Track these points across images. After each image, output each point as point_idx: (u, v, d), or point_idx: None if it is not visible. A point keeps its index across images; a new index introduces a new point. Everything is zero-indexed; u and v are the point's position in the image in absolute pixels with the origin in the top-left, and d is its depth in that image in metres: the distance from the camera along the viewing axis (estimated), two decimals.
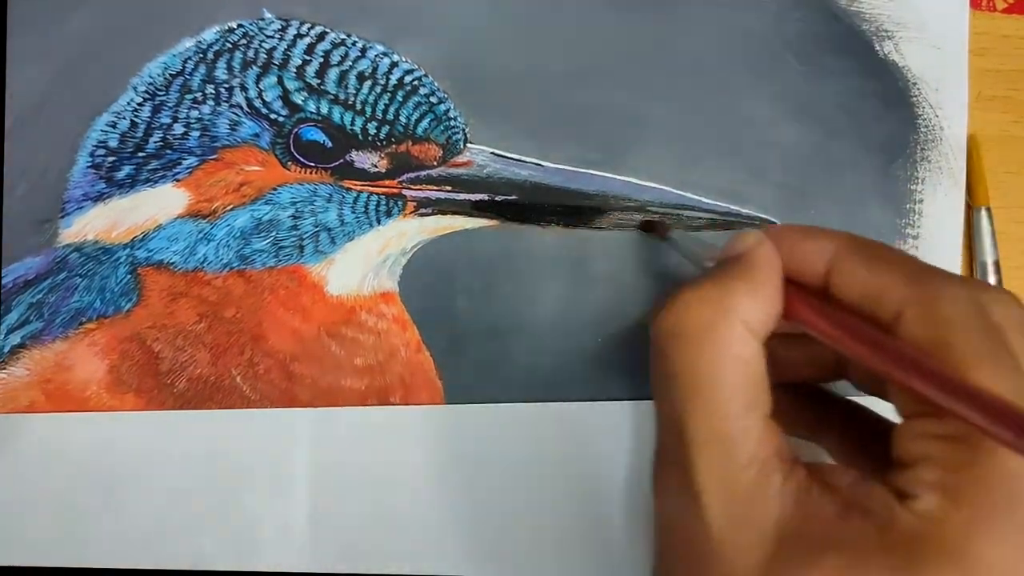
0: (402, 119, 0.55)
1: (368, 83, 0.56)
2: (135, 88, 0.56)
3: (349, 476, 0.56)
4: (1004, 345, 0.36)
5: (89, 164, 0.56)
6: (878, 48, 0.57)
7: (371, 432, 0.56)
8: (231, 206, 0.56)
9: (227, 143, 0.56)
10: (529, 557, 0.55)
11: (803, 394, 0.48)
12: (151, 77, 0.56)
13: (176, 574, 0.56)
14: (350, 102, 0.55)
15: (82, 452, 0.56)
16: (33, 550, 0.56)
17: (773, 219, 0.56)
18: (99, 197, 0.56)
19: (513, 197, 0.56)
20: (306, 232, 0.56)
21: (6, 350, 0.56)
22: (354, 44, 0.56)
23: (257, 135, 0.56)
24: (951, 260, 0.57)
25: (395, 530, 0.56)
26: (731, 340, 0.38)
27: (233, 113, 0.56)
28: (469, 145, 0.56)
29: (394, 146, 0.55)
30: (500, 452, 0.56)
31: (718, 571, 0.37)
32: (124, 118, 0.56)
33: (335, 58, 0.56)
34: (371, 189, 0.56)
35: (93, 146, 0.56)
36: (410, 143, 0.55)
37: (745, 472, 0.37)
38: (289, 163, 0.56)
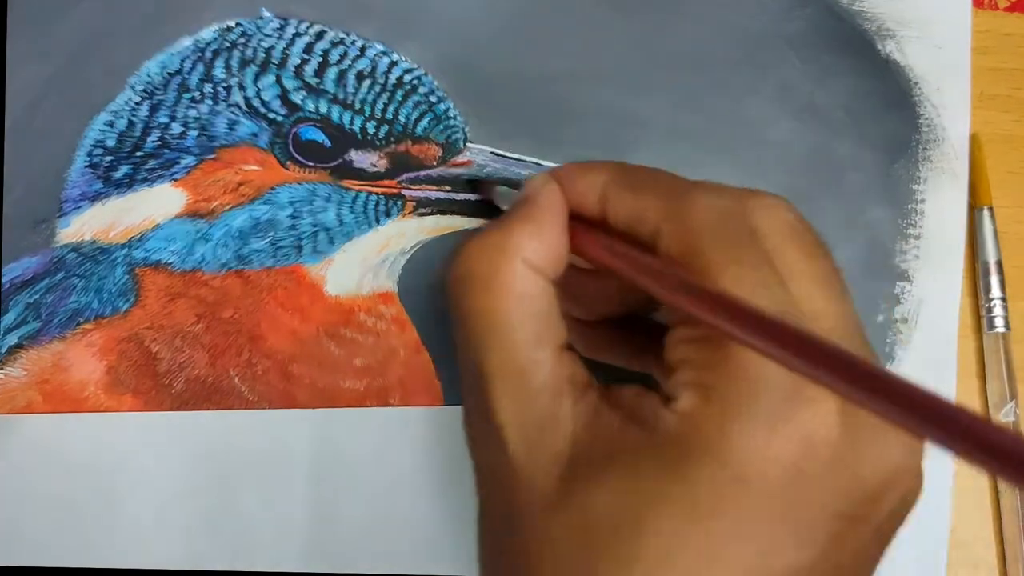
0: (401, 118, 0.55)
1: (367, 82, 0.56)
2: (133, 87, 0.56)
3: (348, 477, 0.56)
4: (754, 247, 0.37)
5: (87, 164, 0.56)
6: (880, 47, 0.57)
7: (370, 432, 0.56)
8: (229, 206, 0.56)
9: (225, 142, 0.56)
10: None
11: (627, 327, 0.49)
12: (149, 76, 0.56)
13: (176, 574, 0.56)
14: (349, 101, 0.55)
15: (80, 453, 0.56)
16: (31, 550, 0.56)
17: None
18: (97, 197, 0.56)
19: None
20: (305, 232, 0.56)
21: (3, 350, 0.56)
22: (353, 43, 0.56)
23: (255, 134, 0.56)
24: (953, 260, 0.56)
25: (394, 531, 0.56)
26: (514, 279, 0.40)
27: (231, 112, 0.56)
28: (469, 144, 0.56)
29: (393, 145, 0.56)
30: None
31: (521, 498, 0.38)
32: (122, 117, 0.56)
33: (334, 57, 0.56)
34: (370, 189, 0.56)
35: (91, 145, 0.56)
36: (409, 142, 0.56)
37: (537, 399, 0.39)
38: (288, 163, 0.56)
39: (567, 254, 0.43)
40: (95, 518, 0.56)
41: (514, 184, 0.55)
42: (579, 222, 0.43)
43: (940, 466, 0.55)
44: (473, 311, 0.40)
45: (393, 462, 0.56)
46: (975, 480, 0.56)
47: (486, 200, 0.55)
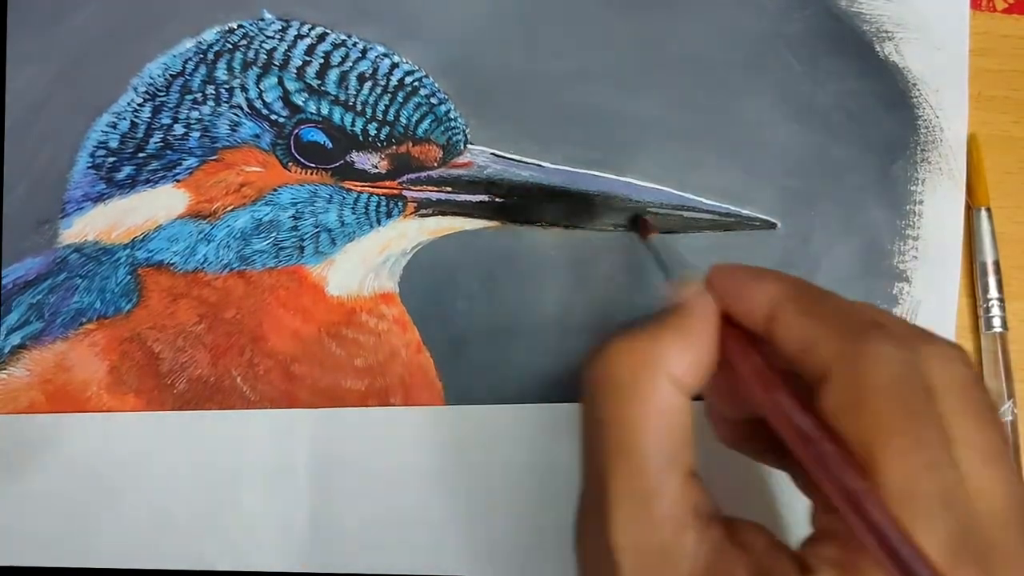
0: (402, 120, 0.56)
1: (369, 84, 0.56)
2: (135, 88, 0.57)
3: (349, 476, 0.56)
4: (928, 414, 0.35)
5: (89, 164, 0.57)
6: (878, 49, 0.57)
7: (371, 432, 0.56)
8: (231, 207, 0.56)
9: (227, 144, 0.56)
10: (529, 557, 0.56)
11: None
12: (151, 77, 0.57)
13: (177, 574, 0.56)
14: (351, 103, 0.56)
15: (82, 452, 0.56)
16: (33, 549, 0.56)
17: (773, 220, 0.56)
18: (99, 198, 0.57)
19: (514, 198, 0.56)
20: (306, 233, 0.56)
21: (6, 351, 0.56)
22: (355, 45, 0.56)
23: (257, 136, 0.56)
24: (951, 261, 0.57)
25: (394, 530, 0.56)
26: (656, 394, 0.38)
27: (233, 114, 0.56)
28: (469, 146, 0.56)
29: (394, 147, 0.56)
30: (500, 452, 0.56)
31: None
32: (124, 119, 0.57)
33: (336, 59, 0.56)
34: (371, 190, 0.56)
35: (93, 147, 0.57)
36: (410, 144, 0.56)
37: (660, 529, 0.37)
38: (289, 164, 0.56)
39: (713, 370, 0.41)
40: (96, 517, 0.56)
41: (513, 186, 0.56)
42: (732, 331, 0.41)
43: None
44: (609, 420, 0.39)
45: (393, 462, 0.56)
46: None
47: (639, 235, 0.55)
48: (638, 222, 0.55)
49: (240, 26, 0.57)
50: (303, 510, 0.56)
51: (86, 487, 0.56)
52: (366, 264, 0.56)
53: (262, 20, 0.57)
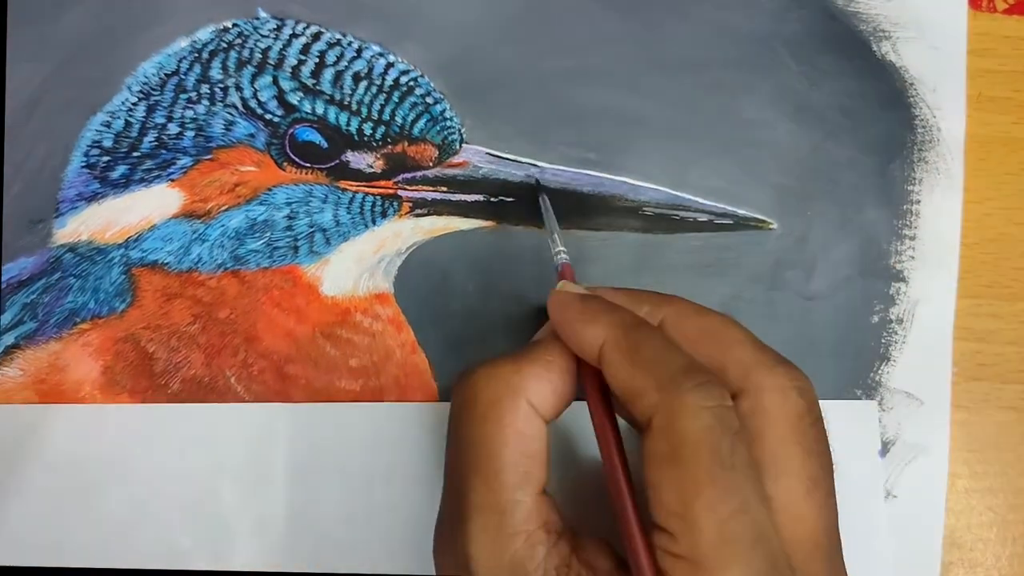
0: (398, 120, 0.56)
1: (364, 83, 0.56)
2: (130, 88, 0.57)
3: (327, 471, 0.56)
4: (738, 459, 0.37)
5: (83, 164, 0.57)
6: (876, 48, 0.58)
7: (352, 427, 0.56)
8: (226, 206, 0.56)
9: (222, 143, 0.57)
10: None
11: None
12: (146, 77, 0.57)
13: (167, 574, 0.56)
14: (346, 102, 0.56)
15: (60, 443, 0.56)
16: (9, 541, 0.56)
17: (770, 219, 0.57)
18: (93, 197, 0.57)
19: (509, 198, 0.56)
20: (301, 233, 0.56)
21: (0, 350, 0.57)
22: (350, 44, 0.57)
23: (252, 135, 0.56)
24: (948, 260, 0.57)
25: (371, 527, 0.56)
26: (515, 416, 0.41)
27: (228, 113, 0.57)
28: (465, 145, 0.57)
29: (390, 147, 0.56)
30: None
31: None
32: (119, 118, 0.57)
33: (331, 58, 0.57)
34: (367, 190, 0.56)
35: (87, 146, 0.57)
36: (406, 144, 0.56)
37: (511, 542, 0.40)
38: (284, 163, 0.56)
39: (572, 399, 0.44)
40: (73, 509, 0.56)
41: (508, 186, 0.56)
42: (585, 366, 0.43)
43: (937, 466, 0.56)
44: (471, 438, 0.41)
45: (372, 457, 0.56)
46: (973, 481, 0.57)
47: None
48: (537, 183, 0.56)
49: (235, 25, 0.57)
50: (280, 504, 0.56)
51: (63, 478, 0.56)
52: (361, 264, 0.57)
53: (257, 19, 0.57)
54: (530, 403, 0.41)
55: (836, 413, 0.55)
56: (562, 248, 0.51)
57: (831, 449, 0.42)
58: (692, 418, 0.37)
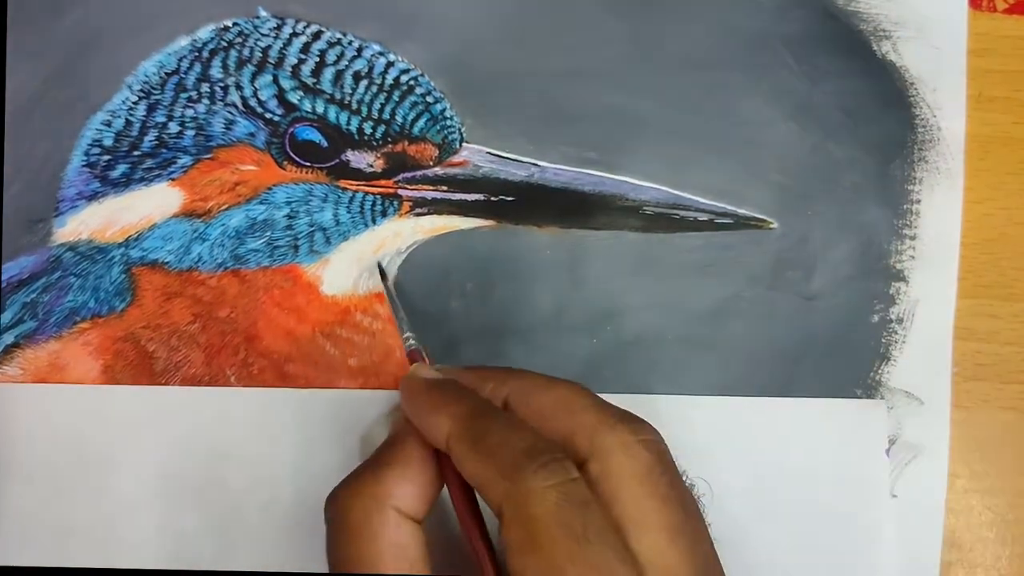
0: (398, 119, 0.56)
1: (364, 82, 0.57)
2: (130, 87, 0.57)
3: (334, 457, 0.56)
4: (592, 528, 0.39)
5: (84, 163, 0.57)
6: (876, 48, 0.58)
7: (357, 414, 0.57)
8: (226, 205, 0.57)
9: (222, 142, 0.57)
10: None
11: None
12: (146, 75, 0.57)
13: (165, 574, 0.56)
14: (346, 101, 0.56)
15: (67, 423, 0.57)
16: (14, 520, 0.56)
17: (770, 219, 0.57)
18: (93, 196, 0.57)
19: (509, 197, 0.57)
20: (301, 232, 0.57)
21: (0, 349, 0.57)
22: (350, 43, 0.57)
23: (252, 134, 0.57)
24: (948, 260, 0.58)
25: None
26: (387, 529, 0.42)
27: (228, 112, 0.57)
28: (465, 145, 0.57)
29: (390, 146, 0.57)
30: None
31: None
32: (119, 116, 0.57)
33: (331, 57, 0.57)
34: (367, 189, 0.57)
35: (88, 144, 0.57)
36: (406, 143, 0.57)
37: None
38: (284, 163, 0.57)
39: (440, 488, 0.45)
40: (77, 491, 0.57)
41: (509, 186, 0.57)
42: (443, 455, 0.44)
43: (937, 466, 0.57)
44: (347, 560, 0.42)
45: (377, 442, 0.56)
46: (973, 481, 0.57)
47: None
48: (380, 270, 0.57)
49: (235, 24, 0.58)
50: (287, 489, 0.56)
51: (68, 459, 0.57)
52: (361, 263, 0.57)
53: (257, 18, 0.58)
54: (398, 510, 0.42)
55: (844, 412, 0.56)
56: (410, 334, 0.52)
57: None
58: (539, 502, 0.38)
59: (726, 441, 0.57)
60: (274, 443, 0.57)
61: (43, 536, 0.56)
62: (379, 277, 0.56)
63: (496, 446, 0.41)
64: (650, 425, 0.44)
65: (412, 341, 0.52)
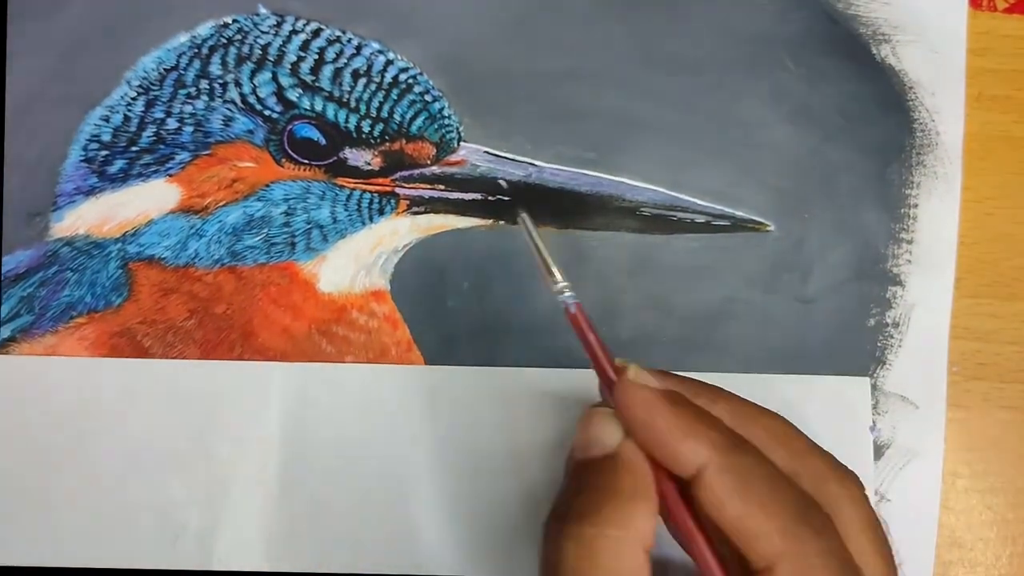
0: (396, 117, 0.57)
1: (363, 81, 0.57)
2: (129, 82, 0.58)
3: (321, 431, 0.57)
4: None
5: (82, 158, 0.58)
6: (875, 51, 0.59)
7: (346, 388, 0.57)
8: (223, 202, 0.57)
9: (220, 139, 0.57)
10: (503, 516, 0.57)
11: None
12: (145, 71, 0.58)
13: (160, 574, 0.57)
14: (344, 99, 0.57)
15: (57, 394, 0.57)
16: (2, 491, 0.57)
17: (767, 222, 0.58)
18: (91, 191, 0.57)
19: (506, 197, 0.57)
20: (298, 229, 0.57)
21: None
22: (349, 41, 0.58)
23: (251, 131, 0.57)
24: (945, 265, 0.58)
25: (363, 488, 0.57)
26: (641, 571, 0.39)
27: (227, 109, 0.57)
28: (463, 144, 0.58)
29: (388, 144, 0.57)
30: (474, 415, 0.57)
31: None
32: (117, 112, 0.58)
33: (330, 55, 0.57)
34: (364, 187, 0.57)
35: (86, 140, 0.58)
36: (404, 141, 0.57)
37: None
38: (282, 160, 0.57)
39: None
40: (66, 460, 0.57)
41: (499, 185, 0.58)
42: (667, 482, 0.42)
43: (931, 470, 0.58)
44: None
45: (366, 419, 0.57)
46: (973, 480, 0.58)
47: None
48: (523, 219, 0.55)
49: (235, 21, 0.58)
50: (273, 460, 0.57)
51: (61, 430, 0.57)
52: (358, 261, 0.58)
53: (257, 15, 0.58)
54: (646, 547, 0.40)
55: (828, 389, 0.57)
56: (565, 284, 0.48)
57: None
58: (823, 568, 0.38)
59: None
60: (264, 415, 0.57)
61: (32, 503, 0.57)
62: (525, 225, 0.52)
63: (769, 494, 0.40)
64: (858, 476, 0.44)
65: (569, 293, 0.48)
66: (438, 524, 0.57)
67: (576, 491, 0.42)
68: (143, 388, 0.57)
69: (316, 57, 0.58)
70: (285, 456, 0.57)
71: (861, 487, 0.43)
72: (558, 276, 0.48)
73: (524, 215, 0.52)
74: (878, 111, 0.59)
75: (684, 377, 0.46)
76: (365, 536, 0.57)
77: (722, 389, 0.46)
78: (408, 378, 0.58)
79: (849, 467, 0.44)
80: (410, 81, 0.58)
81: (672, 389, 0.44)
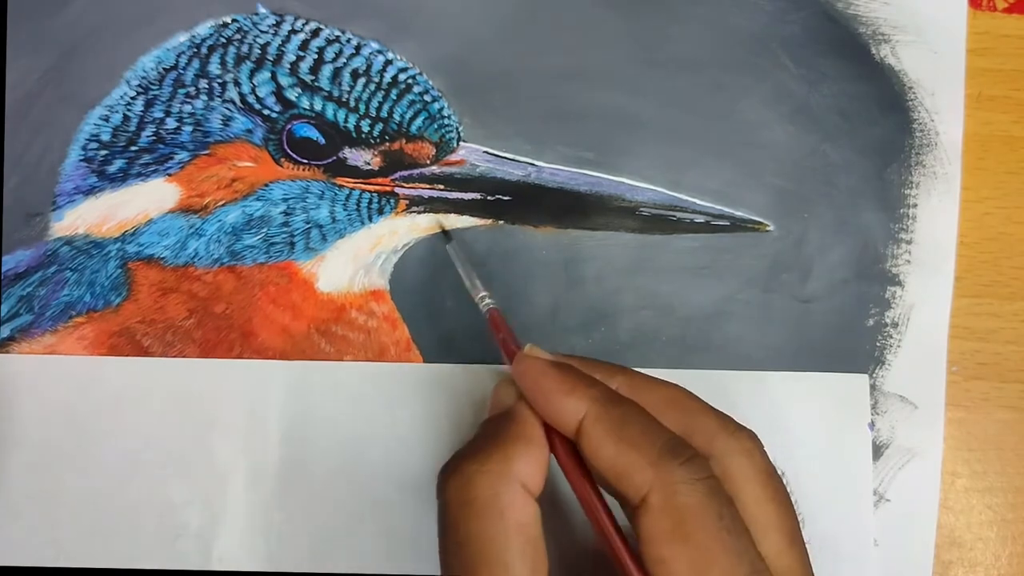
0: (396, 117, 0.57)
1: (362, 80, 0.57)
2: (128, 82, 0.58)
3: (320, 429, 0.57)
4: (737, 527, 0.40)
5: (81, 157, 0.58)
6: (875, 51, 0.59)
7: (345, 387, 0.58)
8: (222, 202, 0.58)
9: (219, 138, 0.58)
10: None
11: None
12: (144, 71, 0.58)
13: (164, 574, 0.57)
14: (344, 99, 0.57)
15: (56, 393, 0.57)
16: (3, 491, 0.57)
17: (766, 222, 0.58)
18: (90, 191, 0.58)
19: (506, 196, 0.58)
20: (297, 229, 0.58)
21: None
22: (348, 41, 0.58)
23: (250, 131, 0.57)
24: (945, 265, 0.59)
25: (362, 487, 0.57)
26: (515, 508, 0.42)
27: (226, 108, 0.58)
28: (463, 144, 0.58)
29: (387, 144, 0.57)
30: (474, 412, 0.58)
31: None
32: (117, 112, 0.58)
33: (329, 55, 0.58)
34: (363, 187, 0.58)
35: (85, 139, 0.58)
36: (403, 141, 0.57)
37: None
38: (282, 159, 0.57)
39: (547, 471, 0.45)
40: (68, 458, 0.57)
41: (505, 185, 0.58)
42: (558, 437, 0.45)
43: (930, 470, 0.58)
44: (473, 537, 0.41)
45: (364, 417, 0.58)
46: (972, 480, 0.59)
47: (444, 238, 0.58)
48: (445, 232, 0.58)
49: (234, 20, 0.58)
50: (272, 459, 0.57)
51: (60, 430, 0.57)
52: (357, 261, 0.58)
53: (256, 15, 0.58)
54: (525, 487, 0.42)
55: (827, 385, 0.57)
56: (485, 293, 0.53)
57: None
58: (690, 493, 0.40)
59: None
60: (263, 414, 0.58)
61: (33, 506, 0.57)
62: (442, 239, 0.57)
63: (640, 435, 0.42)
64: (754, 433, 0.45)
65: (489, 300, 0.52)
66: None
67: (470, 442, 0.45)
68: (144, 387, 0.58)
69: (315, 57, 0.58)
70: (285, 455, 0.57)
71: (756, 441, 0.44)
72: (480, 289, 0.53)
73: (451, 245, 0.56)
74: (878, 111, 0.59)
75: (586, 358, 0.49)
76: (365, 535, 0.57)
77: (624, 367, 0.48)
78: (408, 376, 0.58)
79: (754, 433, 0.45)
80: (409, 81, 0.58)
81: (564, 361, 0.47)
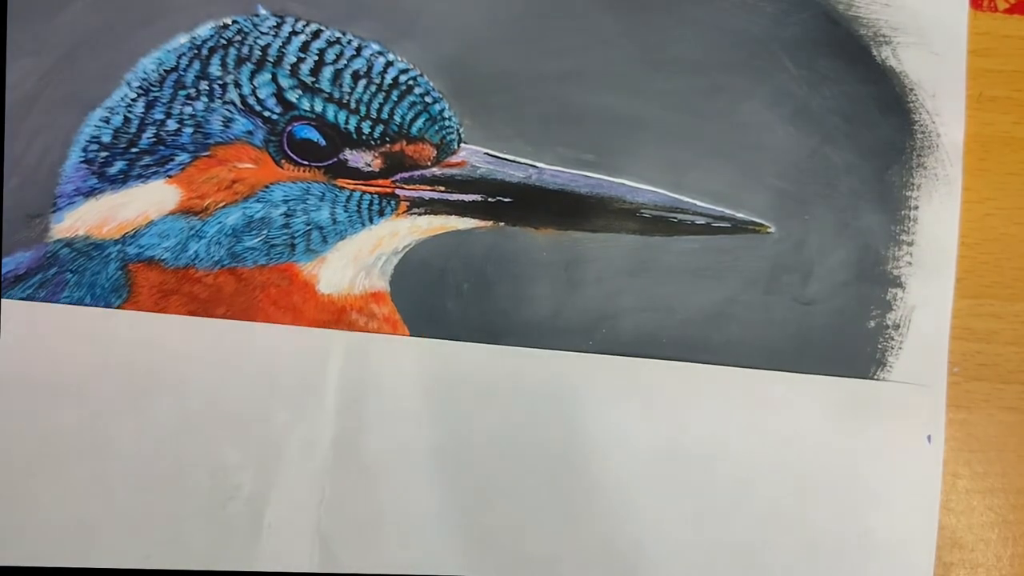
0: (396, 118, 0.57)
1: (363, 82, 0.58)
2: (129, 83, 0.58)
3: (378, 404, 0.58)
4: None
5: (81, 159, 0.58)
6: (876, 53, 0.59)
7: (407, 362, 0.58)
8: (223, 203, 0.58)
9: (220, 140, 0.58)
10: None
11: None
12: (145, 72, 0.58)
13: (175, 574, 0.57)
14: (344, 101, 0.57)
15: (115, 348, 0.57)
16: (53, 439, 0.57)
17: (768, 223, 0.59)
18: (91, 192, 0.58)
19: (507, 198, 0.58)
20: (298, 230, 0.58)
21: None
22: (349, 43, 0.58)
23: (250, 132, 0.57)
24: (946, 267, 0.59)
25: (416, 463, 0.58)
26: None
27: (226, 110, 0.58)
28: (463, 145, 0.58)
29: (388, 145, 0.57)
30: (516, 392, 0.58)
31: None
32: (118, 113, 0.58)
33: (330, 56, 0.58)
34: (364, 188, 0.58)
35: (86, 141, 0.58)
36: (404, 143, 0.58)
37: None
38: (282, 161, 0.57)
39: None
40: (122, 414, 0.57)
41: (506, 186, 0.58)
42: None
43: (928, 467, 0.58)
44: None
45: (425, 392, 0.58)
46: (974, 481, 0.59)
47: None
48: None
49: (235, 22, 0.58)
50: (328, 431, 0.57)
51: (118, 385, 0.57)
52: (357, 262, 0.58)
53: (257, 16, 0.59)
54: None
55: (827, 388, 0.58)
56: None
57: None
58: None
59: (739, 411, 0.59)
60: (321, 383, 0.58)
61: (88, 458, 0.57)
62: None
63: None
64: None
65: None
66: (495, 495, 0.58)
67: None
68: (204, 347, 0.58)
69: (316, 58, 0.58)
70: (341, 425, 0.58)
71: None
72: None
73: None
74: (878, 113, 0.59)
75: None
76: (416, 508, 0.58)
77: None
78: (468, 354, 0.58)
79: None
80: (410, 82, 0.58)
81: None
